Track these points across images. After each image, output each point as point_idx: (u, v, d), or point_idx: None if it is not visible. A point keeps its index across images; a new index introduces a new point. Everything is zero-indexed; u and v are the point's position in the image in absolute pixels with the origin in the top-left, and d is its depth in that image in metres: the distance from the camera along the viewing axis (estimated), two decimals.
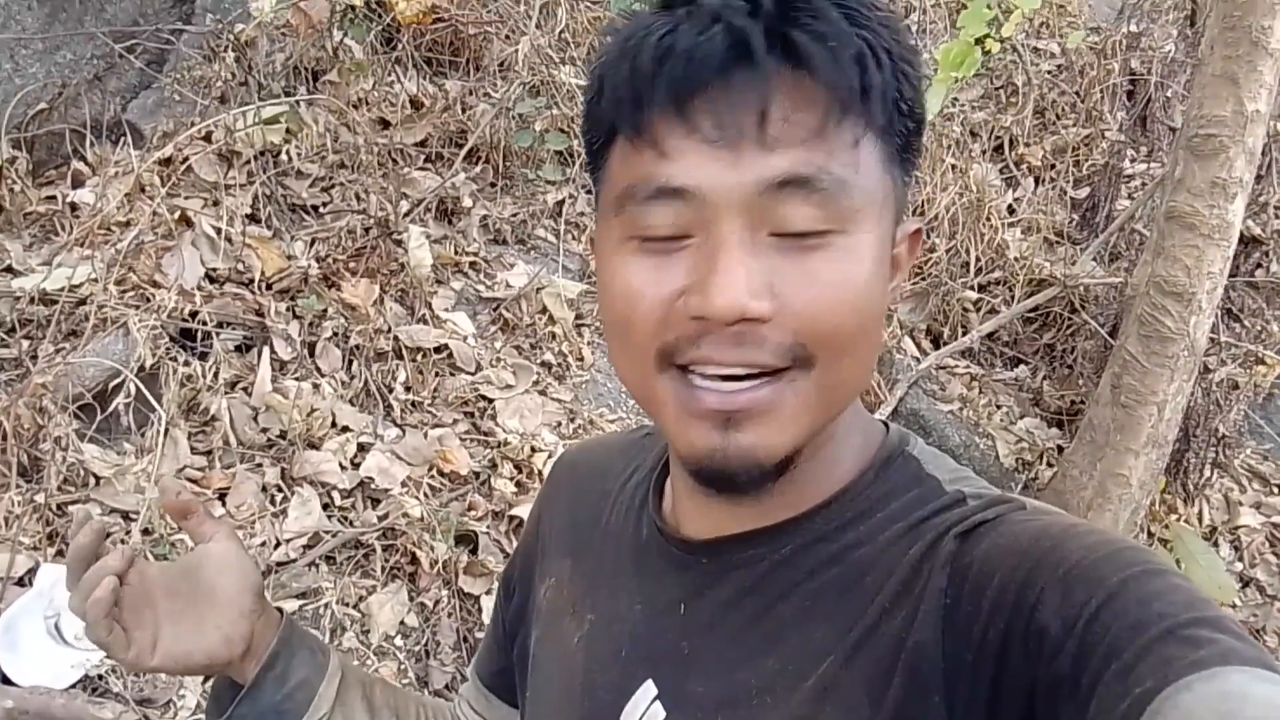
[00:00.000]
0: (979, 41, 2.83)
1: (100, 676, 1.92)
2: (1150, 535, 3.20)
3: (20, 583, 2.00)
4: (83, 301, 2.42)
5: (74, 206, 2.74)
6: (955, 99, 4.11)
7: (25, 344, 2.31)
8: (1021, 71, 4.23)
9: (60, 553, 2.07)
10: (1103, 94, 4.09)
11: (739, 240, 0.56)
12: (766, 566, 0.65)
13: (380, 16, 3.37)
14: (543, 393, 2.77)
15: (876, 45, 0.57)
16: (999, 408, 3.43)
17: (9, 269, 2.53)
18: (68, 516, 2.12)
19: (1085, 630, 0.50)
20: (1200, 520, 3.40)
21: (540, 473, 2.60)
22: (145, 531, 2.13)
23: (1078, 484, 2.99)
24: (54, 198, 2.78)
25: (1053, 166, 4.05)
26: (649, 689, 0.67)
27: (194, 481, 2.30)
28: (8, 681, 1.84)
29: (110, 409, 2.27)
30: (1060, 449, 3.29)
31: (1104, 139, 4.02)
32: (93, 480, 2.21)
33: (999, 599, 0.54)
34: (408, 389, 2.68)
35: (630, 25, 0.59)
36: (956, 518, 0.60)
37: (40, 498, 2.10)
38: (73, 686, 1.88)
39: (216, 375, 2.48)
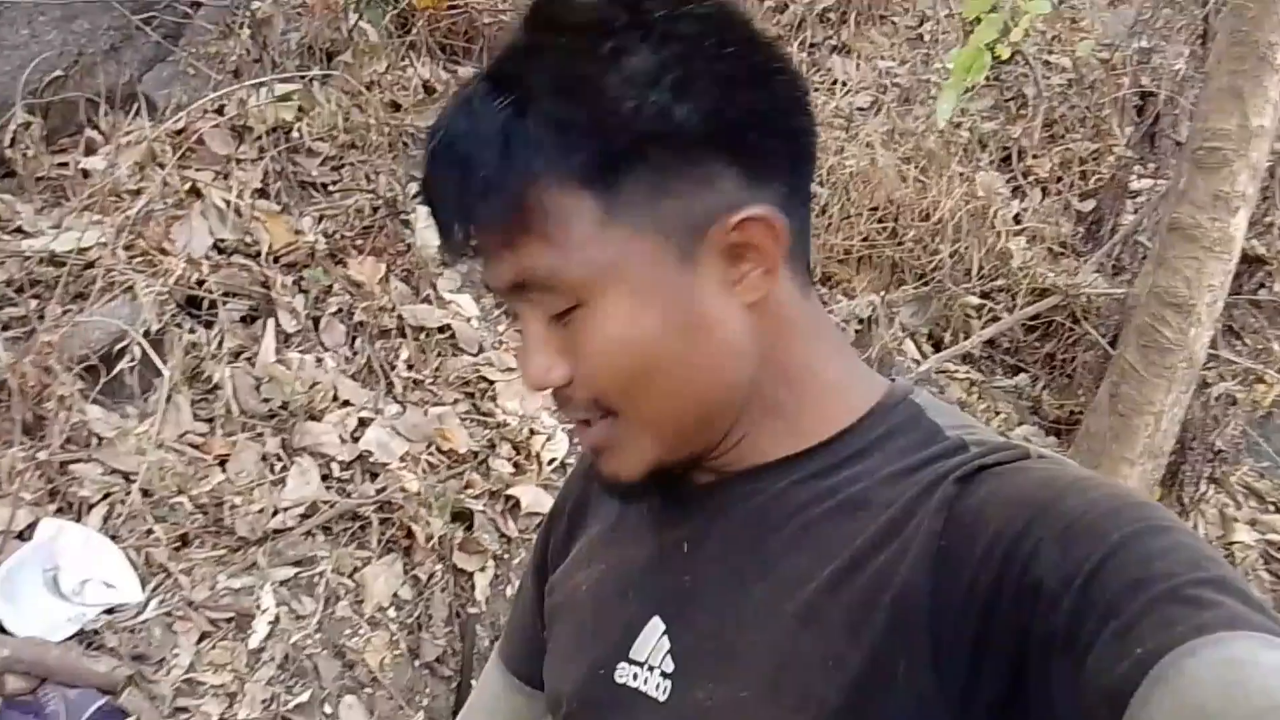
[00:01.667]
0: (989, 47, 2.85)
1: (95, 631, 1.94)
2: None
3: (20, 536, 2.01)
4: (91, 265, 2.43)
5: (86, 173, 2.76)
6: (965, 109, 4.13)
7: (33, 303, 2.33)
8: (1032, 84, 4.25)
9: (61, 509, 2.09)
10: (1112, 109, 4.11)
11: (528, 323, 0.65)
12: (762, 500, 0.67)
13: (396, 1, 3.40)
14: None
15: (535, 126, 0.59)
16: (997, 414, 3.44)
17: (19, 230, 2.54)
18: (70, 475, 2.14)
19: (1084, 586, 0.49)
20: (1196, 534, 3.41)
21: (538, 455, 2.62)
22: (145, 493, 2.15)
23: None
24: (66, 164, 2.79)
25: (1059, 179, 4.07)
26: (657, 624, 0.69)
27: (195, 447, 2.32)
28: (4, 631, 1.85)
29: (115, 371, 2.29)
30: None
31: (1112, 154, 4.04)
32: (95, 440, 2.22)
33: (993, 546, 0.54)
34: (410, 367, 2.70)
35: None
36: (957, 463, 0.60)
37: (43, 455, 2.11)
38: (68, 639, 1.89)
39: (221, 344, 2.50)
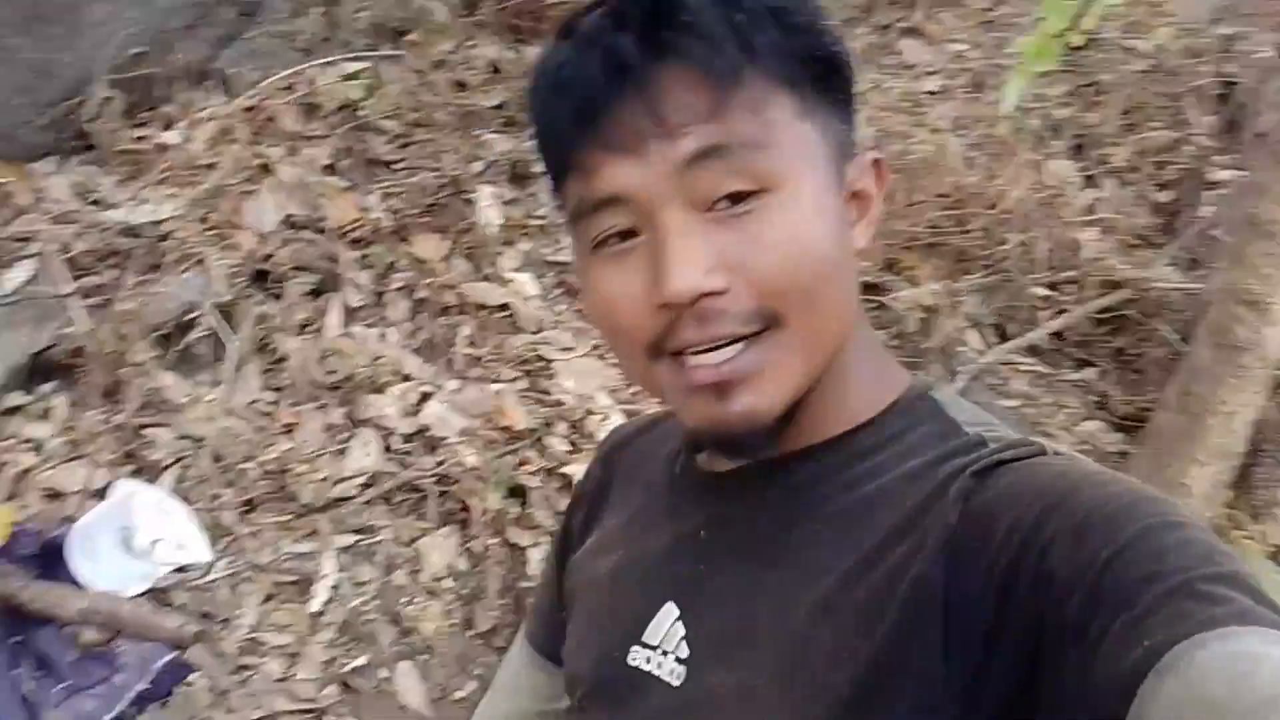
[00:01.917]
0: (1060, 35, 2.78)
1: (166, 589, 2.02)
2: None
3: (98, 496, 2.09)
4: (166, 237, 2.51)
5: (163, 147, 2.84)
6: (1039, 94, 4.05)
7: (112, 273, 2.41)
8: (1110, 70, 4.15)
9: (135, 472, 2.17)
10: (1193, 97, 4.00)
11: (677, 226, 0.60)
12: (782, 493, 0.67)
13: None
14: (601, 357, 2.80)
15: (753, 8, 0.60)
16: (1062, 409, 3.38)
17: (100, 202, 2.63)
18: (144, 438, 2.22)
19: (1097, 578, 0.49)
20: (1266, 538, 3.32)
21: (594, 434, 2.64)
22: (215, 458, 2.21)
23: None
24: (145, 138, 2.88)
25: (1136, 169, 3.96)
26: (670, 610, 0.70)
27: (263, 415, 2.39)
28: (81, 586, 1.93)
29: (187, 341, 2.36)
30: (1123, 455, 3.23)
31: (1191, 143, 3.93)
32: (169, 406, 2.30)
33: (1007, 538, 0.54)
34: (470, 344, 2.74)
35: (540, 62, 0.65)
36: (974, 458, 0.60)
37: (119, 419, 2.19)
38: (140, 595, 1.97)
39: (289, 317, 2.56)
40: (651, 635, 0.70)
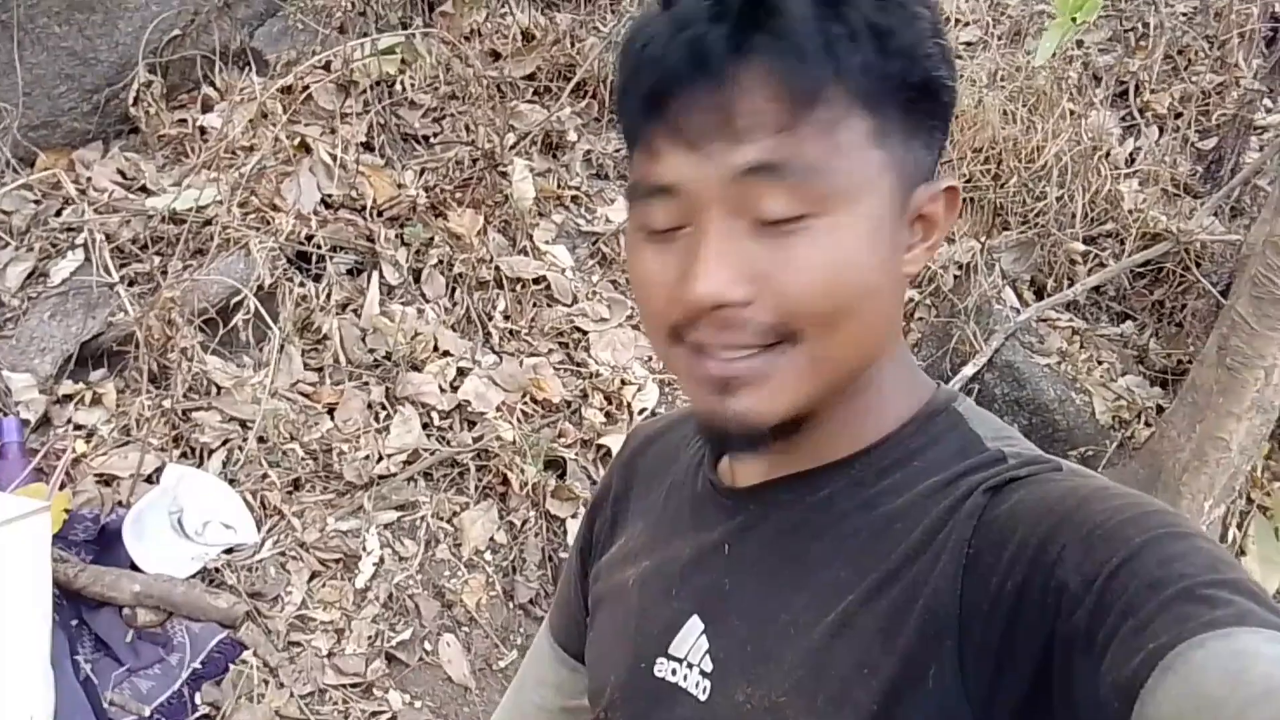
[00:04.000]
0: None
1: (216, 570, 2.10)
2: (1250, 501, 3.12)
3: (149, 480, 2.18)
4: (209, 222, 2.57)
5: (203, 130, 2.89)
6: (1080, 41, 3.95)
7: (157, 260, 2.48)
8: (1154, 13, 4.03)
9: (184, 455, 2.25)
10: (1240, 39, 3.88)
11: (717, 231, 0.60)
12: (804, 508, 0.68)
13: None
14: (635, 327, 2.83)
15: (854, 24, 0.58)
16: (1100, 363, 3.35)
17: (144, 188, 2.70)
18: (192, 422, 2.30)
19: (1104, 587, 0.50)
20: None
21: (629, 405, 2.68)
22: (260, 439, 2.29)
23: (1175, 445, 2.93)
24: (185, 121, 2.93)
25: (1179, 115, 3.87)
26: (695, 624, 0.71)
27: (306, 396, 2.46)
28: (135, 568, 2.02)
29: (231, 324, 2.43)
30: (1160, 409, 3.21)
31: (1238, 87, 3.83)
32: (215, 390, 2.38)
33: (1019, 552, 0.55)
34: (506, 318, 2.78)
35: (634, 27, 0.63)
36: (990, 474, 0.62)
37: (168, 403, 2.27)
38: (191, 577, 2.06)
39: (329, 297, 2.61)
40: (678, 648, 0.72)
